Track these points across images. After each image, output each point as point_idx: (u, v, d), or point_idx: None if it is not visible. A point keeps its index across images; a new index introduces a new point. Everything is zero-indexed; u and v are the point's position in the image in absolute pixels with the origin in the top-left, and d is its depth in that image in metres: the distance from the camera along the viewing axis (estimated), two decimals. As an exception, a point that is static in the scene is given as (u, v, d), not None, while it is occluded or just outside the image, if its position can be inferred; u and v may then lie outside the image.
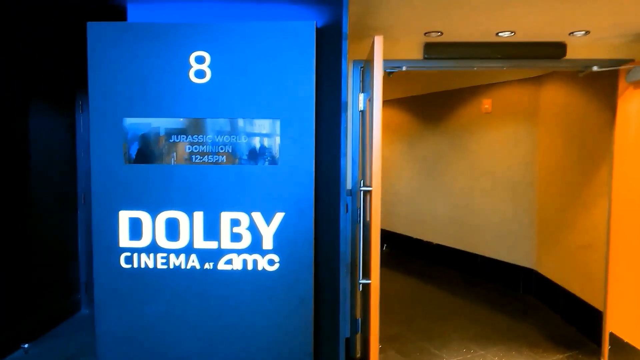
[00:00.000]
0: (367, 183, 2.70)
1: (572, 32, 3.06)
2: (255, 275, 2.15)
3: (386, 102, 7.46)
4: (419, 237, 6.74)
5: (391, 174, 7.35)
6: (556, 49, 3.27)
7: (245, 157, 2.12)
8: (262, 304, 2.17)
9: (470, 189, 5.85)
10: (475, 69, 3.44)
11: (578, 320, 4.16)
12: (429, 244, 6.60)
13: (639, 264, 3.12)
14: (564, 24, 2.89)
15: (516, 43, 3.28)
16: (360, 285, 2.76)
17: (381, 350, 3.77)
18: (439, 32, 3.11)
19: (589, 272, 3.98)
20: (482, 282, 5.56)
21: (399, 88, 7.15)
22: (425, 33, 3.15)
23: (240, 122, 2.11)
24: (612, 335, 3.40)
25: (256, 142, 2.12)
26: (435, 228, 6.43)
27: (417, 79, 6.70)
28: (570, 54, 3.32)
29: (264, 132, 2.11)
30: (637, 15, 2.71)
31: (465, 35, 3.18)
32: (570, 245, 4.32)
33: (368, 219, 2.75)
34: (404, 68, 3.34)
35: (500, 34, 3.12)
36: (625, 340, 3.24)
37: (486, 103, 5.57)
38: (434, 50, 3.33)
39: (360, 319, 3.56)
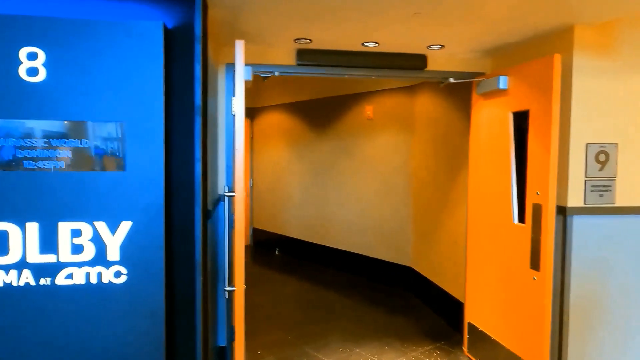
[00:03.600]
0: (232, 188, 2.66)
1: (430, 46, 3.30)
2: (101, 289, 2.01)
3: (277, 107, 7.50)
4: (311, 241, 6.85)
5: (284, 179, 7.39)
6: (418, 61, 3.50)
7: (86, 162, 1.97)
8: (109, 319, 2.03)
9: (357, 192, 6.06)
10: (346, 76, 3.57)
11: (447, 313, 4.48)
12: (320, 247, 6.72)
13: (487, 259, 3.44)
14: (421, 37, 3.10)
15: (383, 53, 3.46)
16: (226, 293, 2.70)
17: (260, 357, 3.75)
18: (308, 39, 3.18)
19: (454, 269, 4.30)
20: (368, 283, 5.78)
21: (289, 93, 7.22)
22: (295, 40, 3.19)
23: (81, 125, 1.96)
24: (470, 325, 3.70)
25: (99, 146, 1.98)
26: (327, 231, 6.57)
27: (306, 84, 6.82)
28: (431, 66, 3.57)
29: (108, 135, 1.98)
30: (484, 34, 2.98)
31: (334, 44, 3.28)
32: (440, 244, 4.65)
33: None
34: (276, 73, 3.36)
35: (365, 44, 3.27)
36: (481, 329, 3.54)
37: (368, 110, 5.82)
38: (306, 56, 3.39)
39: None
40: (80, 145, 1.96)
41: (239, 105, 2.51)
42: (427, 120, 4.92)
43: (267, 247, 7.77)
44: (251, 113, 8.01)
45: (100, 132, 1.97)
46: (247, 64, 2.94)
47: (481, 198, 3.55)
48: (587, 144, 2.82)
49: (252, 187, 8.09)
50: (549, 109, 2.78)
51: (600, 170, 2.83)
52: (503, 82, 3.19)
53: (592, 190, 2.82)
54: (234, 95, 3.36)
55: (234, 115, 3.37)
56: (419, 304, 5.00)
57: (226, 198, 2.59)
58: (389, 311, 4.79)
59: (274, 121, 7.56)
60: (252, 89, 7.93)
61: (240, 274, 2.56)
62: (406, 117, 5.37)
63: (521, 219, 3.09)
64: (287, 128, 7.29)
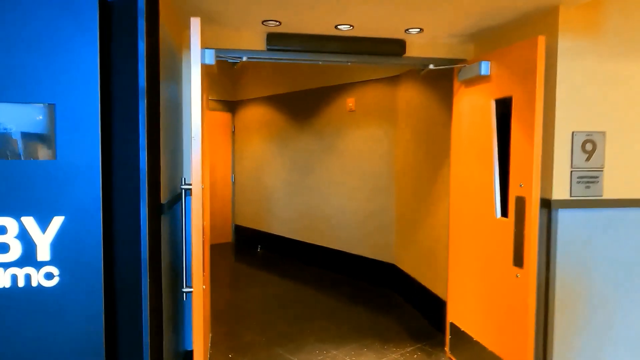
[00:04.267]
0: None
1: (408, 29, 3.10)
2: (30, 292, 1.78)
3: (258, 100, 7.27)
4: (293, 238, 6.64)
5: (265, 174, 7.18)
6: (396, 46, 3.30)
7: (10, 149, 1.74)
8: (40, 326, 1.80)
9: (339, 187, 5.86)
10: (320, 63, 3.36)
11: (429, 312, 4.30)
12: (303, 244, 6.52)
13: (469, 256, 3.26)
14: (398, 20, 2.90)
15: (358, 38, 3.26)
16: (184, 295, 2.49)
17: (230, 361, 3.54)
18: (277, 21, 2.96)
19: (437, 267, 4.12)
20: (351, 280, 5.59)
21: (270, 85, 7.00)
22: (264, 22, 2.98)
23: (3, 107, 1.73)
24: (452, 325, 3.52)
25: (25, 131, 1.76)
26: (309, 228, 6.36)
27: (288, 76, 6.60)
28: (410, 52, 3.37)
29: (36, 119, 1.76)
30: (465, 16, 2.79)
31: (305, 27, 3.07)
32: (423, 240, 4.46)
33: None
34: (244, 58, 3.15)
35: (339, 27, 3.06)
36: (463, 329, 3.36)
37: (350, 102, 5.62)
38: (277, 41, 3.17)
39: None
40: (2, 131, 1.74)
41: (194, 88, 2.30)
42: (410, 111, 4.73)
43: (249, 244, 7.56)
44: (232, 107, 7.78)
45: (27, 115, 1.75)
46: (212, 48, 2.73)
47: (463, 191, 3.37)
48: (573, 132, 2.64)
49: (233, 182, 7.86)
50: (533, 95, 2.60)
51: (587, 160, 2.65)
52: (485, 67, 3.00)
53: (578, 182, 2.65)
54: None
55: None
56: (402, 303, 4.81)
57: (184, 191, 2.37)
58: (371, 310, 4.60)
59: (256, 115, 7.33)
60: (232, 82, 7.69)
61: (198, 274, 2.34)
62: (389, 109, 5.18)
63: (504, 212, 2.90)
64: (269, 122, 7.07)
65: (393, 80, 5.09)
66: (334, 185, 5.91)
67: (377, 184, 5.35)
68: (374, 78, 5.31)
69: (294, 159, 6.58)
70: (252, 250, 7.32)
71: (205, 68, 2.73)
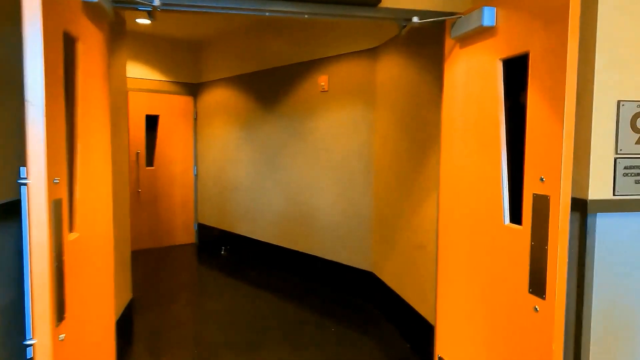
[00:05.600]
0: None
1: (383, -36, 2.25)
2: None
3: (221, 82, 6.39)
4: (260, 239, 5.79)
5: (230, 166, 6.30)
6: (369, -8, 2.45)
7: None
8: None
9: (311, 182, 5.02)
10: (267, 14, 2.49)
11: (413, 335, 3.49)
12: (270, 247, 5.68)
13: (465, 274, 2.44)
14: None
15: (318, -20, 2.40)
16: (28, 350, 1.62)
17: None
18: (198, -53, 2.09)
19: (421, 280, 3.30)
20: (323, 290, 4.76)
21: (234, 63, 6.12)
22: (179, -52, 2.10)
23: None
24: (442, 361, 2.71)
25: None
26: (278, 228, 5.52)
27: (253, 52, 5.73)
28: (388, 2, 2.52)
29: None
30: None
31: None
32: (405, 246, 3.64)
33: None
34: (156, 2, 2.26)
35: (288, -41, 2.20)
36: (456, 368, 2.55)
37: (322, 80, 4.76)
38: (204, -19, 2.30)
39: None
40: None
41: (28, 16, 1.42)
42: (391, 89, 3.89)
43: (214, 245, 6.69)
44: (194, 90, 6.87)
45: None
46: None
47: (457, 187, 2.54)
48: (619, 102, 1.83)
49: (196, 176, 6.97)
50: (561, 48, 1.76)
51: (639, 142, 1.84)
52: (489, 15, 2.17)
53: (626, 175, 1.83)
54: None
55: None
56: (380, 319, 4.00)
57: (22, 188, 1.51)
58: (343, 329, 3.78)
59: (220, 98, 6.44)
60: (194, 61, 6.76)
61: (44, 316, 1.48)
62: (367, 88, 4.34)
63: (516, 218, 2.08)
64: (234, 106, 6.19)
65: (371, 53, 4.25)
66: (304, 180, 5.07)
67: (352, 179, 4.52)
68: (349, 51, 4.46)
69: (261, 149, 5.71)
70: (216, 252, 6.46)
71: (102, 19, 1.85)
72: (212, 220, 6.70)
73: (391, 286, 3.92)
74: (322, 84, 4.74)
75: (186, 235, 6.96)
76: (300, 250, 5.17)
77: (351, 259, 4.58)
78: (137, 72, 6.27)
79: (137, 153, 6.32)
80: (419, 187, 3.36)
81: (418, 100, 3.37)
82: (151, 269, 5.56)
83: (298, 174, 5.14)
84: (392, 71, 3.86)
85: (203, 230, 6.92)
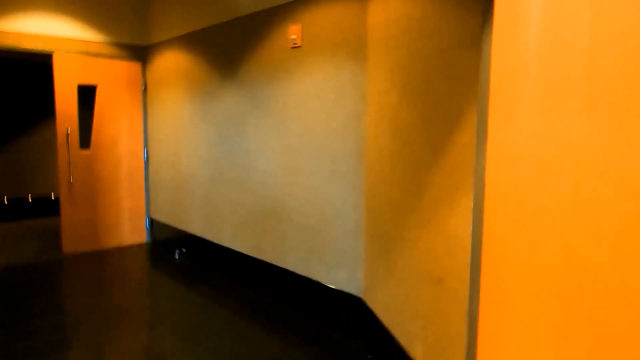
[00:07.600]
0: None
1: None
2: None
3: (173, 41, 5.07)
4: (219, 243, 4.55)
5: (182, 150, 5.01)
6: None
7: None
8: None
9: (280, 170, 3.75)
10: None
11: (422, 411, 2.27)
12: (232, 254, 4.44)
13: (553, 343, 1.22)
14: None
15: None
16: None
17: None
18: None
19: (439, 328, 2.08)
20: (296, 316, 3.54)
21: (187, 17, 4.80)
22: None
23: None
24: None
25: None
26: (240, 231, 4.27)
27: (209, 1, 4.41)
28: None
29: None
30: None
31: None
32: (410, 271, 2.40)
33: None
34: None
35: None
36: None
37: (293, 32, 3.46)
38: None
39: None
40: None
41: None
42: (391, 38, 2.61)
43: (170, 246, 5.45)
44: (142, 53, 5.53)
45: None
46: None
47: (533, 192, 1.30)
48: None
49: (146, 161, 5.68)
50: None
51: None
52: None
53: None
54: None
55: None
56: (373, 371, 2.79)
57: None
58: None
59: (172, 65, 5.11)
60: (141, 18, 5.40)
61: None
62: (355, 40, 3.05)
63: None
64: (188, 72, 4.88)
65: (362, -13, 2.96)
66: (271, 168, 3.81)
67: (335, 165, 3.26)
68: (330, -12, 3.17)
69: (218, 127, 4.43)
70: (171, 256, 5.21)
71: None
72: (166, 216, 5.44)
73: (388, 326, 2.70)
74: (294, 36, 3.44)
75: (135, 234, 5.70)
76: (268, 261, 3.93)
77: (332, 277, 3.35)
78: (66, 29, 4.92)
79: (68, 130, 5.00)
80: (435, 184, 2.11)
81: (434, 49, 2.10)
82: (86, 282, 4.31)
83: (263, 160, 3.87)
84: (393, 10, 2.57)
85: (157, 228, 5.66)
